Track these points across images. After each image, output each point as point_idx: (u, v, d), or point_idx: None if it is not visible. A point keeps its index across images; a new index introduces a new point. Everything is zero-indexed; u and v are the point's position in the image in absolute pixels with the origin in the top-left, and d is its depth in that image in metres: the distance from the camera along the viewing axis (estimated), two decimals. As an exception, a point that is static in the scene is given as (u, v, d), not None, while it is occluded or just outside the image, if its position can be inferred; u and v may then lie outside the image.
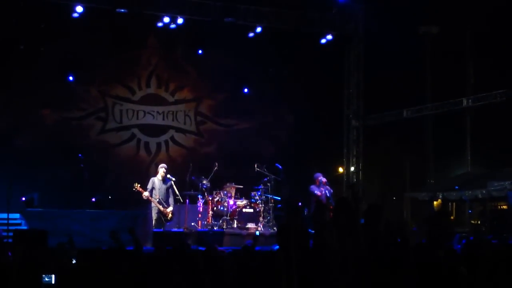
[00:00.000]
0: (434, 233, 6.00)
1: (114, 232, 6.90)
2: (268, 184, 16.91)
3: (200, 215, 16.46)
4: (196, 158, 18.99)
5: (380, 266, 5.37)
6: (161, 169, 15.09)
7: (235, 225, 16.08)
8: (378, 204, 6.58)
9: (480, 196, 18.57)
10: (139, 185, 14.75)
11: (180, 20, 18.54)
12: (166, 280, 5.33)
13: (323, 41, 20.41)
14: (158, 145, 20.27)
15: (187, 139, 20.63)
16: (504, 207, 17.13)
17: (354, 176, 21.48)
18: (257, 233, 15.05)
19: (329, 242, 5.03)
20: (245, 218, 16.18)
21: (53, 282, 5.20)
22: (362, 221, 7.28)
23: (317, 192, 15.58)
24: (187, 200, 16.22)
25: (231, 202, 16.34)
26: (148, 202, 14.95)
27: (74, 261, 6.99)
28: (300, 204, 16.97)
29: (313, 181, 15.90)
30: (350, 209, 6.79)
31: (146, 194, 14.71)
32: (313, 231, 6.49)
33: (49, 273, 5.18)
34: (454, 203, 21.72)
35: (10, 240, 11.55)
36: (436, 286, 5.40)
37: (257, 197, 16.70)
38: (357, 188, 20.10)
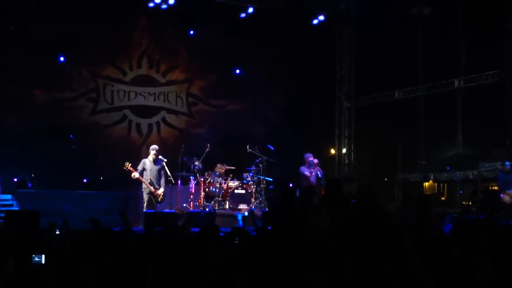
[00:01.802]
0: (420, 215, 6.02)
1: (95, 219, 6.83)
2: (260, 165, 16.89)
3: (192, 196, 16.44)
4: (187, 139, 19.00)
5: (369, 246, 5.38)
6: (153, 151, 14.92)
7: (227, 206, 16.09)
8: (369, 184, 6.59)
9: (471, 176, 18.68)
10: (130, 164, 14.58)
11: (171, 1, 18.48)
12: (155, 262, 5.32)
13: (315, 22, 20.36)
14: (150, 126, 20.23)
15: (179, 120, 20.60)
16: (495, 188, 17.19)
17: (346, 158, 21.51)
18: (246, 213, 15.02)
19: (315, 223, 5.03)
20: (237, 199, 16.21)
21: (43, 262, 5.19)
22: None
23: (307, 173, 15.54)
24: (179, 181, 16.17)
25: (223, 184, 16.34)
26: (139, 183, 14.79)
27: (57, 232, 6.97)
28: (291, 185, 17.07)
29: (304, 162, 15.88)
30: (341, 190, 6.80)
31: (136, 175, 14.52)
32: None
33: (39, 253, 5.17)
34: (445, 184, 21.82)
35: (1, 221, 11.54)
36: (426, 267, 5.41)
37: (249, 178, 16.68)
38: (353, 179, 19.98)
